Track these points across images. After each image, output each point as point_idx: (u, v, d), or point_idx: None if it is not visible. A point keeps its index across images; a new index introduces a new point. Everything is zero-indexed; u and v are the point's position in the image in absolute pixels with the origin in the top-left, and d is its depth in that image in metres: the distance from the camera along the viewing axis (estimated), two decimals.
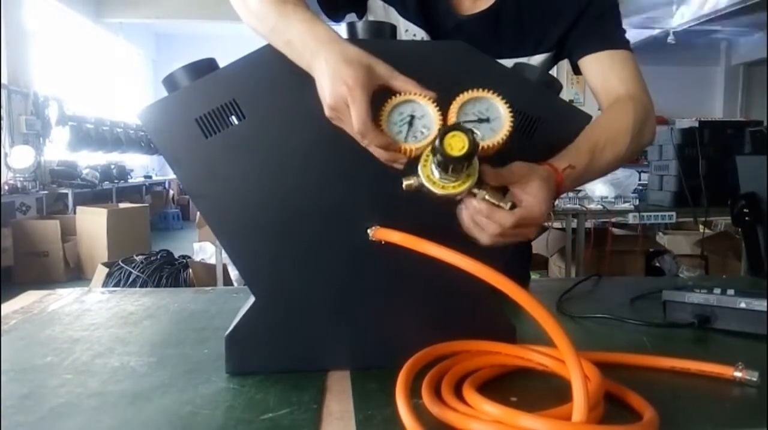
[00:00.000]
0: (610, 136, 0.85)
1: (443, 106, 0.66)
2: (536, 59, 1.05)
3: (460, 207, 0.66)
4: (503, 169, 0.66)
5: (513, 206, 0.65)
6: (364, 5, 1.05)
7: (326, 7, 0.98)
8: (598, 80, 1.00)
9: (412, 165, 0.65)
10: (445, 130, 0.60)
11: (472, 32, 1.01)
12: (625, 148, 0.87)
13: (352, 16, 1.06)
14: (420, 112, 0.65)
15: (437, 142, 0.59)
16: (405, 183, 0.64)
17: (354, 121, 0.63)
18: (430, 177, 0.63)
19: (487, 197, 0.64)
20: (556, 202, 3.63)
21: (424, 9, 1.02)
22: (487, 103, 0.66)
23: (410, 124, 0.64)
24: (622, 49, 1.01)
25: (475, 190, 0.64)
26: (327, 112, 0.66)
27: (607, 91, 0.98)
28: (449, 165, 0.61)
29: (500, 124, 0.65)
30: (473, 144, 0.59)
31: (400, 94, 0.64)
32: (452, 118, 0.65)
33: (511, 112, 0.65)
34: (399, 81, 0.65)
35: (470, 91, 0.65)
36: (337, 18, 1.02)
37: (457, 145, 0.59)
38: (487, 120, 0.66)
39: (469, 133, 0.59)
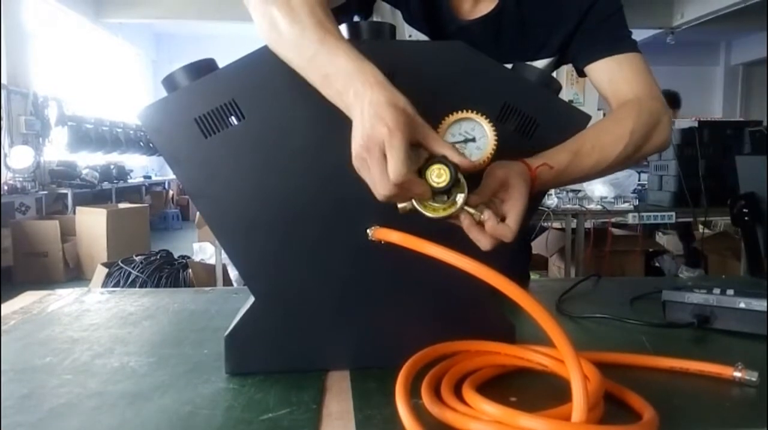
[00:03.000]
0: (600, 140, 0.83)
1: (440, 107, 0.67)
2: (538, 64, 1.04)
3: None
4: (482, 186, 0.68)
5: (503, 219, 0.67)
6: (370, 8, 1.05)
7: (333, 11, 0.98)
8: (606, 86, 0.99)
9: None
10: (426, 163, 0.63)
11: (474, 36, 1.00)
12: (616, 155, 0.85)
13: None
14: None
15: (420, 174, 0.63)
16: (400, 206, 0.66)
17: (391, 167, 0.59)
18: (422, 202, 0.65)
19: (473, 216, 0.66)
20: (556, 202, 3.63)
21: (427, 13, 1.02)
22: (472, 123, 0.68)
23: None
24: (629, 52, 0.99)
25: (467, 209, 0.66)
26: (355, 154, 0.62)
27: (617, 97, 0.96)
28: (434, 194, 0.64)
29: (485, 143, 0.68)
30: (454, 176, 0.62)
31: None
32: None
33: (495, 131, 0.67)
34: (436, 143, 0.62)
35: (456, 113, 0.68)
36: (341, 21, 1.01)
37: (439, 177, 0.63)
38: (473, 139, 0.68)
39: (449, 166, 0.62)
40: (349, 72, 0.63)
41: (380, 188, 0.61)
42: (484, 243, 0.66)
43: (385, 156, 0.60)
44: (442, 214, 0.65)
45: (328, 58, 0.64)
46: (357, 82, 0.62)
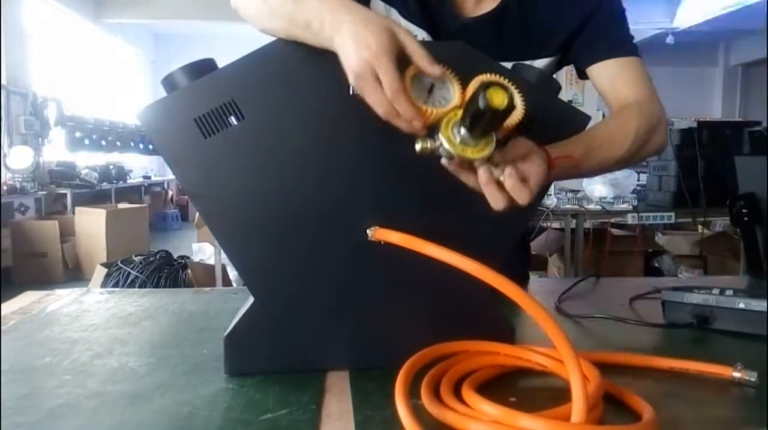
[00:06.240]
0: (608, 137, 0.86)
1: None
2: (539, 63, 1.05)
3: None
4: (507, 149, 0.66)
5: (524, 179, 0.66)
6: (367, 6, 1.05)
7: None
8: (607, 88, 1.01)
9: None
10: (486, 84, 0.60)
11: (476, 34, 1.01)
12: (623, 152, 0.87)
13: None
14: (439, 83, 0.66)
15: (480, 94, 0.58)
16: (420, 146, 0.63)
17: (386, 87, 0.62)
18: (450, 139, 0.62)
19: (493, 172, 0.64)
20: (555, 202, 3.64)
21: (427, 11, 1.02)
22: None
23: (430, 92, 0.65)
24: (630, 56, 1.00)
25: (486, 166, 0.64)
26: (352, 82, 0.65)
27: (617, 99, 0.98)
28: (483, 122, 0.60)
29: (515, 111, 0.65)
30: (512, 100, 0.59)
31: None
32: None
33: (524, 99, 0.64)
34: (420, 58, 0.64)
35: (488, 76, 0.64)
36: None
37: (498, 98, 0.59)
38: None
39: (508, 89, 0.59)
40: (320, 10, 0.66)
41: (379, 108, 0.64)
42: (498, 201, 0.65)
43: (378, 78, 0.62)
44: (469, 155, 0.62)
45: (301, 9, 0.68)
46: (327, 15, 0.66)
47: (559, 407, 0.60)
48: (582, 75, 1.05)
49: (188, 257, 4.10)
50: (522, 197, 0.65)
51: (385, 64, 0.62)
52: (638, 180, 4.18)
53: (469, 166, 0.65)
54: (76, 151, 6.84)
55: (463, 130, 0.62)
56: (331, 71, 0.69)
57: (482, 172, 0.64)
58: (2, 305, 1.06)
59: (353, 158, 0.72)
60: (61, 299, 1.13)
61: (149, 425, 0.62)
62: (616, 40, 1.02)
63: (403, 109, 0.63)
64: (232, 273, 3.53)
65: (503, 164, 0.65)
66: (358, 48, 0.63)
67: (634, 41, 1.03)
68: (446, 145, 0.62)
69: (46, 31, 7.07)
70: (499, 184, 0.65)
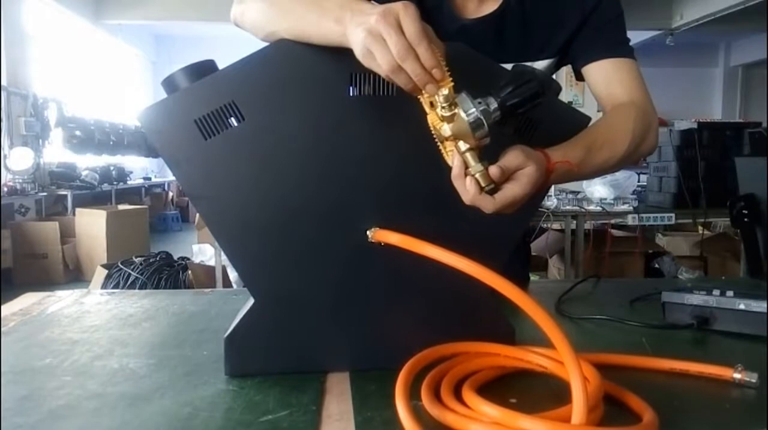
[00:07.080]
0: (608, 136, 0.85)
1: None
2: (539, 65, 1.05)
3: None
4: (501, 163, 0.67)
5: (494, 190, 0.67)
6: None
7: None
8: (601, 88, 1.01)
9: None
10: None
11: (476, 36, 1.01)
12: (623, 151, 0.87)
13: None
14: None
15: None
16: (448, 91, 0.63)
17: (408, 29, 0.61)
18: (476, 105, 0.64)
19: (478, 177, 0.65)
20: (555, 203, 3.64)
21: (427, 13, 1.02)
22: None
23: None
24: (626, 57, 1.01)
25: (475, 167, 0.65)
26: (367, 31, 0.61)
27: (611, 99, 0.98)
28: (525, 96, 0.64)
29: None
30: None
31: None
32: None
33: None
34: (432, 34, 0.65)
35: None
36: None
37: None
38: None
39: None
40: (332, 8, 0.67)
41: (394, 50, 0.61)
42: (466, 196, 0.66)
43: (399, 23, 0.61)
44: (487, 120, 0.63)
45: (311, 8, 0.68)
46: (338, 10, 0.66)
47: (559, 409, 0.60)
48: (579, 76, 1.05)
49: (188, 259, 4.10)
50: (485, 207, 0.66)
51: (410, 7, 0.62)
52: (638, 181, 4.18)
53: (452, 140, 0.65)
54: (83, 153, 6.83)
55: (490, 103, 0.64)
56: (331, 73, 0.70)
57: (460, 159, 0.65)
58: (3, 307, 1.06)
59: (353, 159, 0.72)
60: (61, 301, 1.13)
61: (149, 426, 0.62)
62: (613, 41, 1.02)
63: (426, 54, 0.61)
64: (233, 274, 3.52)
65: (486, 163, 0.65)
66: (386, 6, 0.62)
67: (633, 43, 1.04)
68: (468, 110, 0.63)
69: (47, 32, 7.07)
70: (477, 185, 0.65)
